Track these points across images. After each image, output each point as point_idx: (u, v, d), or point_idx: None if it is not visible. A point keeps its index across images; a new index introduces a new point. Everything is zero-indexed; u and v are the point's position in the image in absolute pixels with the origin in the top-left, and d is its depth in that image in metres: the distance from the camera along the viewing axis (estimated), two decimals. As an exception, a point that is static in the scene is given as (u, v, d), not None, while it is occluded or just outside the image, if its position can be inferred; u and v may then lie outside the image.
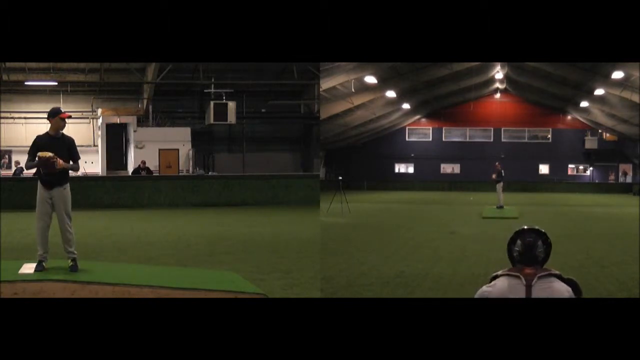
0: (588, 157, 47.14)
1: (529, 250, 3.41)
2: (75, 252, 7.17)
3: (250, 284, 7.28)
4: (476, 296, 3.47)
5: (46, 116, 7.18)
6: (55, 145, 7.03)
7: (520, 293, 3.32)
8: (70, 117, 7.18)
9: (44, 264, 7.03)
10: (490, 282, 3.47)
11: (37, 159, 6.96)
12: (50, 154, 6.90)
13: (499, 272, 3.45)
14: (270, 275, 8.46)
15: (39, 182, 7.08)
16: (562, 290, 3.33)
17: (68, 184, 7.15)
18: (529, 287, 3.29)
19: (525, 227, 3.53)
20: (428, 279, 8.73)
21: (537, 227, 3.52)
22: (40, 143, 7.06)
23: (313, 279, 8.28)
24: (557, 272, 3.40)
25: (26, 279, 6.52)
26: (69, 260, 7.12)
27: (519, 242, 3.45)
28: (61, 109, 7.36)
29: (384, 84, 30.40)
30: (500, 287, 3.38)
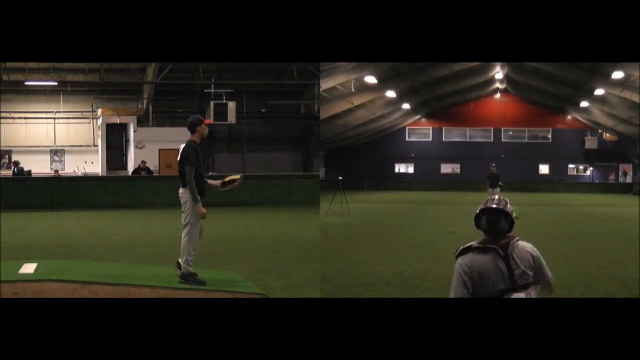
0: (588, 157, 47.17)
1: (492, 226, 3.75)
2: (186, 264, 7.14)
3: (250, 284, 7.28)
4: (455, 275, 3.70)
5: (189, 127, 7.23)
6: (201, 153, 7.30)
7: (502, 264, 3.62)
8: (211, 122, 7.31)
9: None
10: (463, 253, 3.72)
11: (225, 183, 7.34)
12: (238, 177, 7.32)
13: (474, 244, 3.73)
14: (270, 275, 8.46)
15: (193, 194, 7.24)
16: (528, 247, 3.74)
17: None
18: (506, 257, 3.62)
19: (490, 205, 3.80)
20: (428, 279, 8.72)
21: (501, 207, 3.79)
22: (198, 150, 7.26)
23: (313, 279, 8.28)
24: (516, 236, 3.78)
25: (26, 279, 6.51)
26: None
27: (484, 218, 3.79)
28: (199, 117, 7.39)
29: (384, 84, 30.41)
30: (478, 261, 3.65)
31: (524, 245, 3.75)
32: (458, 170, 48.64)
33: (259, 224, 15.16)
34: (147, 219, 16.81)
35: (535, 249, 3.80)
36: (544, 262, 3.79)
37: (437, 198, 32.85)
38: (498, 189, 20.31)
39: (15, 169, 23.34)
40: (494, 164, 22.80)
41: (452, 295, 3.66)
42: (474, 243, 3.72)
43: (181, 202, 7.36)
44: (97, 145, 27.86)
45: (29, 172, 23.51)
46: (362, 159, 47.38)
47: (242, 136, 29.57)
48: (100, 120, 27.26)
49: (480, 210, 3.81)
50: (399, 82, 31.81)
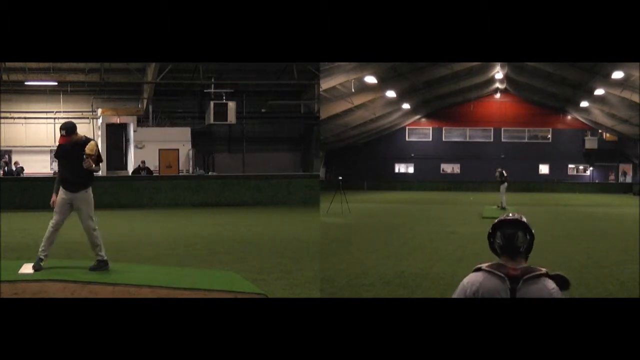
0: (588, 157, 47.17)
1: (509, 242, 3.28)
2: (104, 255, 7.41)
3: (250, 284, 7.28)
4: (459, 289, 3.34)
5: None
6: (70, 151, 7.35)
7: (505, 296, 3.23)
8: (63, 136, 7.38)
9: (41, 263, 7.09)
10: (475, 271, 3.32)
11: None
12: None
13: (484, 266, 3.30)
14: (270, 275, 8.46)
15: (60, 185, 7.46)
16: (544, 291, 3.20)
17: (90, 188, 7.46)
18: (513, 291, 3.19)
19: (505, 217, 3.38)
20: (428, 279, 8.72)
21: (517, 217, 3.36)
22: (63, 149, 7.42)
23: (313, 279, 8.28)
24: (543, 270, 3.26)
25: (26, 279, 6.52)
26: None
27: (498, 234, 3.32)
28: (60, 130, 7.52)
29: (384, 84, 30.40)
30: (488, 287, 3.26)
31: (544, 286, 3.18)
32: (458, 170, 48.64)
33: (259, 224, 15.16)
34: (147, 219, 16.81)
35: (559, 293, 3.21)
36: None
37: (437, 198, 32.85)
38: (505, 184, 22.55)
39: (6, 168, 23.08)
40: (500, 169, 23.79)
41: None
42: (484, 265, 3.30)
43: (89, 202, 7.70)
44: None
45: (19, 171, 23.29)
46: (362, 159, 47.37)
47: (242, 136, 29.56)
48: (100, 120, 27.26)
49: (493, 226, 3.33)
50: (399, 82, 31.80)
